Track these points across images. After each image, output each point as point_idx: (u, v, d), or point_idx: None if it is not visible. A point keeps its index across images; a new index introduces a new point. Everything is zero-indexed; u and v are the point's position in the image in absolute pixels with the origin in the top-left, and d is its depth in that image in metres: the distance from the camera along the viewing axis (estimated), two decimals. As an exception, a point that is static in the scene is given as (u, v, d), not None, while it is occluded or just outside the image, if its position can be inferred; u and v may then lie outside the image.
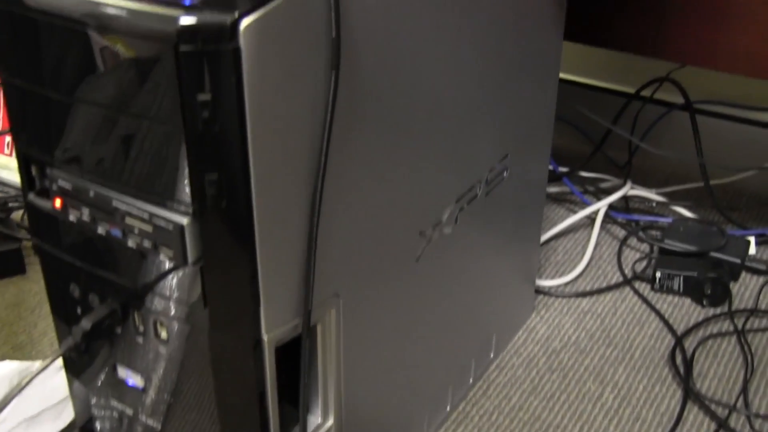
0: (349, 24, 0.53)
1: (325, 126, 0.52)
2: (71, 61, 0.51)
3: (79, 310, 0.61)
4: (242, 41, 0.46)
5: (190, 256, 0.52)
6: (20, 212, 1.19)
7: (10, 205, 1.19)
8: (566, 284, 1.09)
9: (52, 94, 0.53)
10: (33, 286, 1.09)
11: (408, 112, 0.63)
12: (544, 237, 1.16)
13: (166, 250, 0.52)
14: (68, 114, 0.53)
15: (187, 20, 0.45)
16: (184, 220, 0.51)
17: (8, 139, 1.27)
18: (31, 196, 0.59)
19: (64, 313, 0.63)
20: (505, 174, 0.83)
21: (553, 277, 1.10)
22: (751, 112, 1.25)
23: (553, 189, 1.25)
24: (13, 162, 1.24)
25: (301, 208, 0.54)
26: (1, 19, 0.53)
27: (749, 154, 1.25)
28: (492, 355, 0.96)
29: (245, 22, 0.46)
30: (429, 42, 0.63)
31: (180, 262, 0.52)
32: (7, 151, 1.28)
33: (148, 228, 0.52)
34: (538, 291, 1.07)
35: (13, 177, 1.26)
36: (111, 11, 0.47)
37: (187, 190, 0.50)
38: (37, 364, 0.88)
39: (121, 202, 0.53)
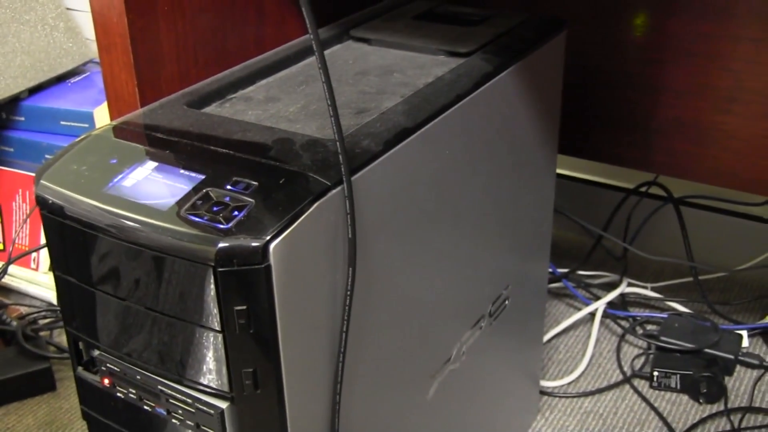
0: (362, 219, 0.59)
1: (344, 313, 0.59)
2: (116, 266, 0.58)
3: (124, 470, 0.67)
4: (272, 260, 0.52)
5: (229, 435, 0.58)
6: (49, 330, 1.25)
7: (40, 322, 1.25)
8: (569, 384, 1.15)
9: (98, 292, 0.60)
10: (64, 403, 1.15)
11: (417, 271, 0.70)
12: (546, 336, 1.22)
13: (207, 430, 0.58)
14: (113, 309, 0.60)
15: (224, 245, 0.52)
16: (224, 405, 0.57)
17: (35, 254, 1.34)
18: (80, 371, 0.66)
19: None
20: (507, 301, 0.89)
21: (556, 377, 1.16)
22: (741, 207, 1.32)
23: (552, 285, 1.31)
24: (40, 276, 1.31)
25: (326, 380, 0.60)
26: (53, 225, 0.60)
27: (739, 246, 1.31)
28: (501, 462, 1.01)
29: (274, 244, 0.52)
30: (436, 206, 0.70)
31: (219, 440, 0.58)
32: (33, 265, 1.35)
33: (191, 410, 0.59)
34: (543, 392, 1.13)
35: (40, 291, 1.33)
36: (154, 233, 0.54)
37: (225, 379, 0.57)
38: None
39: (165, 386, 0.59)
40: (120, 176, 0.59)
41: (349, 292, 0.59)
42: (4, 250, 1.37)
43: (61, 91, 1.36)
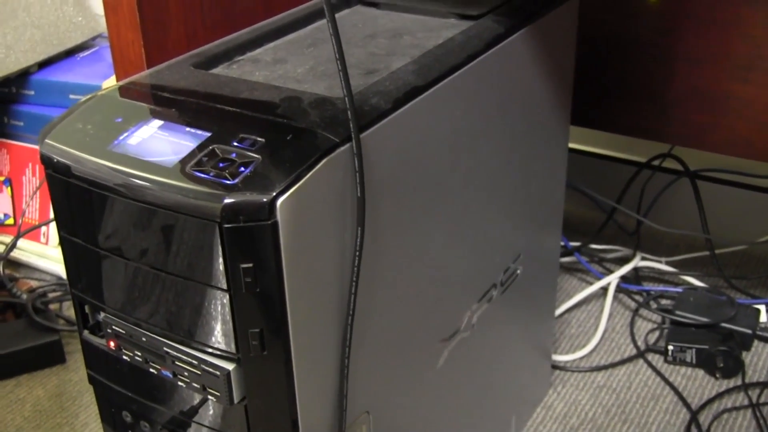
0: (372, 178, 0.58)
1: (353, 274, 0.58)
2: (121, 225, 0.57)
3: (130, 435, 0.67)
4: (279, 216, 0.51)
5: (236, 397, 0.57)
6: (58, 303, 1.25)
7: (49, 295, 1.25)
8: (582, 358, 1.14)
9: (104, 253, 0.59)
10: (73, 375, 1.14)
11: (428, 233, 0.69)
12: (558, 310, 1.21)
13: (213, 391, 0.58)
14: (119, 269, 0.59)
15: (230, 201, 0.51)
16: (230, 367, 0.56)
17: (44, 228, 1.34)
18: (86, 334, 0.65)
19: (116, 437, 0.68)
20: (518, 271, 0.88)
21: (568, 352, 1.15)
22: (758, 180, 1.30)
23: (564, 259, 1.30)
24: (49, 250, 1.31)
25: (334, 343, 0.59)
26: (58, 184, 0.59)
27: (756, 221, 1.29)
28: (513, 435, 1.00)
29: (281, 200, 0.51)
30: (447, 168, 0.69)
31: (226, 402, 0.57)
32: (43, 240, 1.34)
33: (197, 372, 0.58)
34: (555, 366, 1.12)
35: (50, 265, 1.32)
36: (160, 189, 0.53)
37: (232, 339, 0.56)
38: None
39: (171, 347, 0.59)
40: (125, 134, 0.58)
41: (357, 253, 0.58)
42: (14, 224, 1.36)
43: (71, 65, 1.35)
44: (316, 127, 0.56)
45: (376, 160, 0.59)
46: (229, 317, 0.55)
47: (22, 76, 1.32)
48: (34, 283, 1.29)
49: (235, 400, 0.57)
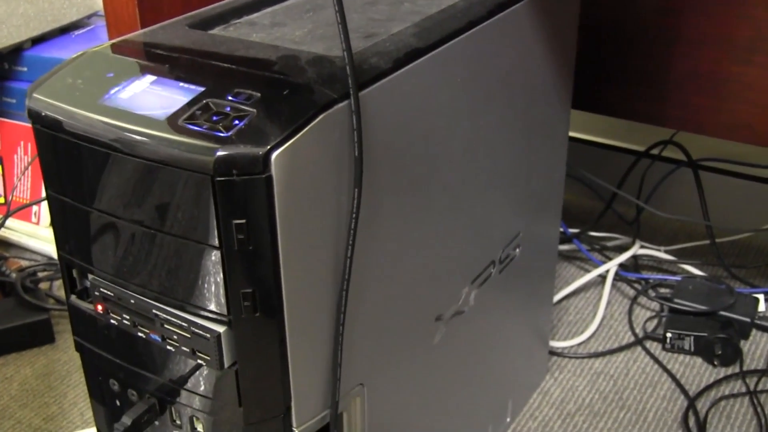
0: (370, 138, 0.56)
1: (348, 237, 0.56)
2: (111, 181, 0.55)
3: (118, 403, 0.65)
4: (274, 170, 0.50)
5: (226, 361, 0.55)
6: (48, 282, 1.23)
7: (39, 274, 1.23)
8: (579, 345, 1.12)
9: (93, 211, 0.57)
10: (62, 355, 1.12)
11: (426, 204, 0.67)
12: (557, 297, 1.19)
13: (203, 355, 0.56)
14: (108, 229, 0.57)
15: (223, 153, 0.49)
16: (221, 329, 0.55)
17: (35, 208, 1.32)
18: (73, 299, 0.63)
19: (103, 406, 0.66)
20: (517, 251, 0.87)
21: (565, 338, 1.13)
22: (758, 170, 1.28)
23: (563, 247, 1.28)
24: (40, 230, 1.29)
25: (328, 309, 0.58)
26: (46, 140, 0.57)
27: (756, 211, 1.28)
28: (508, 419, 0.99)
29: (276, 153, 0.49)
30: (447, 136, 0.67)
31: (216, 366, 0.56)
32: (34, 219, 1.32)
33: (187, 335, 0.56)
34: (552, 352, 1.10)
35: (41, 245, 1.30)
36: (150, 142, 0.51)
37: (223, 300, 0.54)
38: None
39: (161, 310, 0.57)
40: (116, 89, 0.56)
41: (354, 215, 0.56)
42: (5, 203, 1.34)
43: (65, 43, 1.34)
44: (313, 83, 0.54)
45: (374, 122, 0.57)
46: (220, 277, 0.53)
47: (15, 52, 1.30)
48: (24, 263, 1.27)
49: (226, 365, 0.56)
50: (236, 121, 0.51)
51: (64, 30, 1.37)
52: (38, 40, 1.33)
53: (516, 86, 0.78)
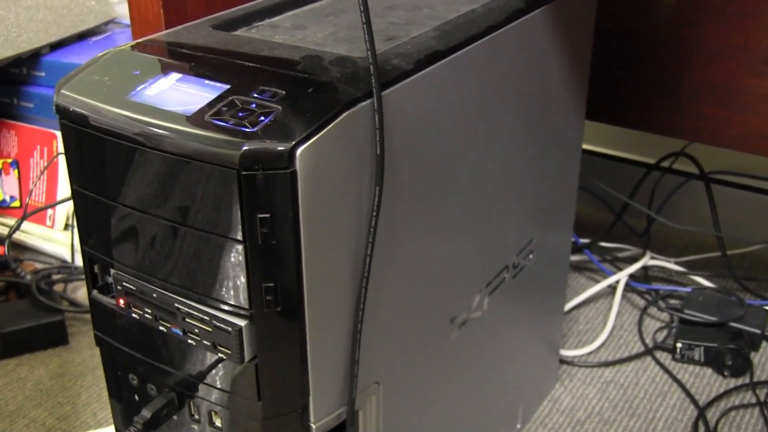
0: (391, 138, 0.57)
1: (369, 235, 0.57)
2: (136, 177, 0.56)
3: (136, 398, 0.66)
4: (298, 165, 0.50)
5: (247, 355, 0.56)
6: (62, 284, 1.24)
7: (54, 277, 1.24)
8: (589, 354, 1.13)
9: (118, 206, 0.58)
10: (75, 356, 1.13)
11: (444, 206, 0.68)
12: (567, 306, 1.20)
13: (224, 349, 0.57)
14: (132, 223, 0.58)
15: (249, 148, 0.50)
16: (242, 323, 0.55)
17: (50, 211, 1.33)
18: (95, 293, 0.64)
19: (121, 402, 0.67)
20: (530, 257, 0.87)
21: (576, 347, 1.14)
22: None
23: (574, 257, 1.29)
24: (55, 233, 1.30)
25: (347, 306, 0.58)
26: (73, 135, 0.58)
27: (767, 224, 1.28)
28: (519, 426, 0.99)
29: (301, 149, 0.50)
30: (465, 140, 0.68)
31: (237, 360, 0.56)
32: (49, 222, 1.34)
33: (208, 328, 0.57)
34: (562, 361, 1.10)
35: (55, 248, 1.31)
36: (176, 137, 0.52)
37: (245, 295, 0.55)
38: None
39: (183, 304, 0.58)
40: (143, 86, 0.57)
41: (375, 213, 0.57)
42: (20, 206, 1.36)
43: (82, 49, 1.35)
44: (337, 82, 0.55)
45: (395, 121, 0.58)
46: (243, 271, 0.54)
47: (34, 58, 1.32)
48: (38, 265, 1.28)
49: (246, 359, 0.56)
50: (261, 117, 0.52)
51: (82, 36, 1.38)
52: (56, 46, 1.34)
53: (531, 93, 0.79)
